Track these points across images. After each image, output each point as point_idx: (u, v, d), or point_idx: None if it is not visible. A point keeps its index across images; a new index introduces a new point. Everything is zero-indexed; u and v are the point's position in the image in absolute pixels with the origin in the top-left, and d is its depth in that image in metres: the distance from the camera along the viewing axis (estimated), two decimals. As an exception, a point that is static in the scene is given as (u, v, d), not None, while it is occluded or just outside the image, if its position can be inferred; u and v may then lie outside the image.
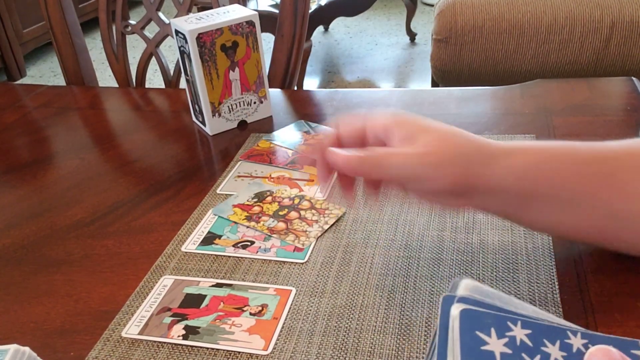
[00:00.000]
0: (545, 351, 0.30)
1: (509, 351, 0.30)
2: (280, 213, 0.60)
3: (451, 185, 0.43)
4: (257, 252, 0.56)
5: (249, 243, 0.57)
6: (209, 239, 0.58)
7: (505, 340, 0.31)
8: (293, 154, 0.72)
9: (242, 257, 0.55)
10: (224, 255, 0.56)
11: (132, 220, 0.63)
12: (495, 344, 0.31)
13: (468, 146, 0.44)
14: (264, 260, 0.55)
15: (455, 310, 0.32)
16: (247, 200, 0.63)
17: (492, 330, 0.31)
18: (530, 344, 0.31)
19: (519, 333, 0.31)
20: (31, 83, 2.90)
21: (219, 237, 0.58)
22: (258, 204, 0.62)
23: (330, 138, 0.47)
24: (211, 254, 0.56)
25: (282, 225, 0.59)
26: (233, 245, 0.57)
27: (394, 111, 0.45)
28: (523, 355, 0.30)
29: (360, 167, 0.44)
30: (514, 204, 0.45)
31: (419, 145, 0.43)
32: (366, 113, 0.46)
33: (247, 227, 0.59)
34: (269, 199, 0.63)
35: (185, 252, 0.57)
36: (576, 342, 0.31)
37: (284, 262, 0.54)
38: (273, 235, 0.57)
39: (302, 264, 0.54)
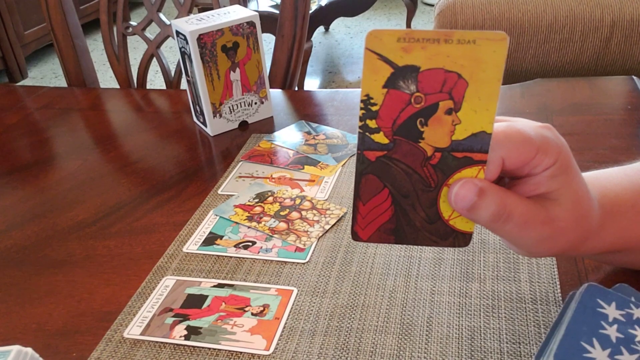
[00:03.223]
0: None
1: (622, 319, 0.35)
2: (282, 213, 0.61)
3: (547, 255, 0.40)
4: (259, 252, 0.56)
5: (250, 243, 0.57)
6: (211, 239, 0.58)
7: (622, 312, 0.35)
8: (294, 154, 0.72)
9: (243, 258, 0.55)
10: (226, 256, 0.56)
11: (133, 220, 0.63)
12: (611, 311, 0.36)
13: (586, 225, 0.39)
14: (266, 260, 0.55)
15: (583, 287, 0.37)
16: (248, 201, 0.63)
17: (613, 303, 0.36)
18: None
19: (638, 313, 0.36)
20: (32, 84, 2.90)
21: (221, 237, 0.58)
22: (259, 204, 0.62)
23: (495, 161, 0.35)
24: (213, 255, 0.56)
25: (283, 225, 0.59)
26: (234, 246, 0.57)
27: (563, 143, 0.37)
28: (635, 326, 0.35)
29: (478, 209, 0.35)
30: (598, 258, 0.48)
31: (552, 210, 0.36)
32: (534, 128, 0.37)
33: (249, 227, 0.59)
34: (270, 199, 0.63)
35: (187, 253, 0.57)
36: None
37: (285, 262, 0.54)
38: (274, 235, 0.58)
39: (304, 264, 0.54)
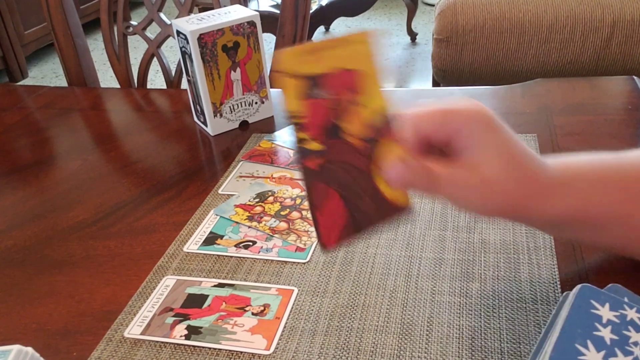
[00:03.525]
0: None
1: (617, 321, 0.35)
2: (282, 213, 0.61)
3: (498, 214, 0.42)
4: (259, 252, 0.56)
5: (250, 243, 0.57)
6: (211, 239, 0.58)
7: (616, 313, 0.36)
8: (294, 154, 0.72)
9: (244, 257, 0.55)
10: (226, 256, 0.56)
11: (134, 220, 0.63)
12: (605, 312, 0.36)
13: (528, 180, 0.41)
14: (266, 260, 0.55)
15: (576, 288, 0.38)
16: (249, 201, 0.63)
17: (607, 304, 0.36)
18: (639, 323, 0.35)
19: (632, 314, 0.36)
20: (33, 84, 2.90)
21: (221, 237, 0.58)
22: (260, 204, 0.62)
23: (409, 130, 0.40)
24: (213, 254, 0.56)
25: (283, 225, 0.59)
26: (235, 245, 0.57)
27: (479, 108, 0.40)
28: (629, 327, 0.35)
29: (410, 181, 0.40)
30: (560, 229, 0.46)
31: (480, 169, 0.39)
32: (449, 102, 0.41)
33: (249, 227, 0.59)
34: (271, 199, 0.63)
35: (187, 253, 0.57)
36: None
37: (285, 262, 0.54)
38: (275, 235, 0.58)
39: (304, 263, 0.54)
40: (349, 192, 0.39)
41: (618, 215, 0.43)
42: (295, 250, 0.55)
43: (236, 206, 0.63)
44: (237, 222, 0.60)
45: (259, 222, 0.60)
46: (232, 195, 0.65)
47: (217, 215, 0.62)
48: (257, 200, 0.63)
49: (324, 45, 0.37)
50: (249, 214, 0.61)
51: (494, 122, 0.40)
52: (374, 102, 0.38)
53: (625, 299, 0.37)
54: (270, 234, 0.58)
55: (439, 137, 0.40)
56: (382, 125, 0.39)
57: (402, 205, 0.41)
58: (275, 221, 0.59)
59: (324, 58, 0.37)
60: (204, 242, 0.58)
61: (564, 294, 0.40)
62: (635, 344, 0.34)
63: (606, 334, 0.35)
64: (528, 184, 0.40)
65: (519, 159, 0.40)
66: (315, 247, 0.56)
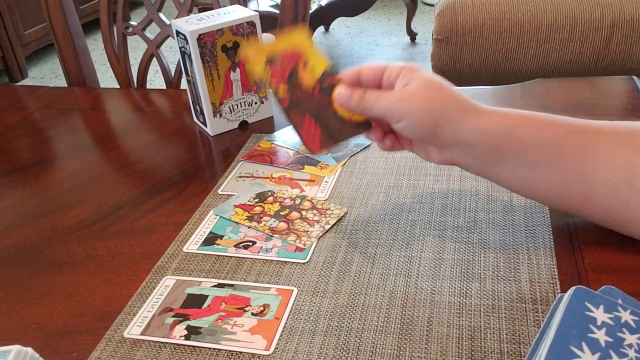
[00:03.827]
0: None
1: (611, 323, 0.36)
2: (282, 213, 0.61)
3: (422, 131, 0.50)
4: (259, 252, 0.56)
5: (250, 243, 0.57)
6: (211, 239, 0.58)
7: (611, 315, 0.37)
8: (294, 154, 0.72)
9: (243, 258, 0.55)
10: (226, 256, 0.56)
11: (133, 221, 0.63)
12: (599, 314, 0.37)
13: (446, 100, 0.50)
14: (266, 260, 0.55)
15: (570, 290, 0.39)
16: (249, 201, 0.63)
17: (601, 306, 0.37)
18: (633, 325, 0.36)
19: (626, 316, 0.37)
20: (32, 84, 2.90)
21: (221, 237, 0.58)
22: (259, 204, 0.62)
23: (351, 73, 0.54)
24: (213, 254, 0.56)
25: (283, 225, 0.59)
26: (234, 246, 0.57)
27: (411, 63, 0.52)
28: (623, 329, 0.36)
29: (348, 102, 0.53)
30: (485, 159, 0.50)
31: (402, 91, 0.50)
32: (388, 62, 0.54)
33: (249, 227, 0.59)
34: (270, 199, 0.63)
35: (187, 253, 0.57)
36: None
37: (285, 262, 0.54)
38: (274, 235, 0.58)
39: (304, 264, 0.54)
40: (317, 117, 0.55)
41: (551, 155, 0.47)
42: (295, 251, 0.55)
43: (236, 206, 0.63)
44: (236, 223, 0.60)
45: (259, 222, 0.60)
46: (231, 195, 0.65)
47: (216, 215, 0.62)
48: (256, 200, 0.63)
49: (274, 43, 0.56)
50: (249, 214, 0.61)
51: (421, 69, 0.51)
52: (318, 65, 0.56)
53: (619, 301, 0.37)
54: (270, 234, 0.58)
55: (373, 77, 0.53)
56: (325, 75, 0.55)
57: (363, 123, 0.55)
58: (274, 221, 0.59)
59: (274, 48, 0.56)
60: (203, 242, 0.58)
61: (558, 296, 0.40)
62: (630, 346, 0.34)
63: (601, 336, 0.35)
64: (445, 98, 0.49)
65: (440, 84, 0.50)
66: (315, 246, 0.56)
